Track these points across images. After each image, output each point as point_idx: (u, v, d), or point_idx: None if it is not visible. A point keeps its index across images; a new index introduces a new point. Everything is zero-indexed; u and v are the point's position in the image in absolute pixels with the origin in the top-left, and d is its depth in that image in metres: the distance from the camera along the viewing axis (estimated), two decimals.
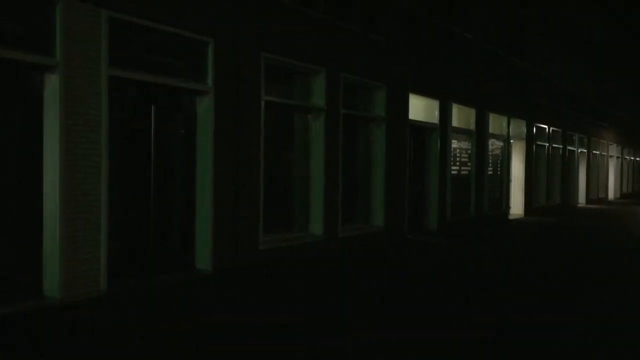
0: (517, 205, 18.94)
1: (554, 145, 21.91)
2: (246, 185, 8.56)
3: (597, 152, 28.33)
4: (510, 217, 18.14)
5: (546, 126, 21.04)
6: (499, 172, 17.38)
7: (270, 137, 9.19)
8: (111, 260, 6.76)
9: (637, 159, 38.53)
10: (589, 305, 7.06)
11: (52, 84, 6.24)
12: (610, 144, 30.69)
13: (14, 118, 6.24)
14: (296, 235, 9.89)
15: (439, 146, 13.70)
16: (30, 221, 6.28)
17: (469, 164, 15.46)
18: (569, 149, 23.66)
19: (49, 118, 6.26)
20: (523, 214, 18.99)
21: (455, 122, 14.44)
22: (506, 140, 17.67)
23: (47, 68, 6.20)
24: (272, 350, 5.06)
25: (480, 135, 15.78)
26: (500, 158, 17.45)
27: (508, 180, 17.99)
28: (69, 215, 6.29)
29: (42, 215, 6.28)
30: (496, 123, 17.01)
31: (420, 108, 13.21)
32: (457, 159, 14.85)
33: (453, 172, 14.53)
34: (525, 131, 19.15)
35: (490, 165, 16.64)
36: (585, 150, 26.03)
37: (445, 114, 13.93)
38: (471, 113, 15.43)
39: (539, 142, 20.36)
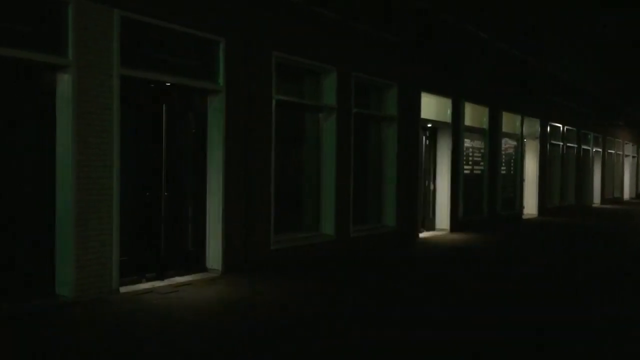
0: (530, 205, 18.77)
1: (568, 144, 21.69)
2: (257, 184, 8.55)
3: (612, 151, 28.01)
4: (524, 217, 17.98)
5: (560, 125, 20.84)
6: (512, 172, 17.23)
7: (281, 136, 9.17)
8: (122, 259, 6.78)
9: None
10: (601, 308, 6.96)
11: (64, 83, 6.27)
12: (626, 143, 30.33)
13: (27, 117, 6.28)
14: (307, 235, 9.86)
15: (451, 145, 13.61)
16: (42, 220, 6.31)
17: (481, 163, 15.35)
18: (583, 148, 23.41)
19: (62, 117, 6.29)
20: (537, 214, 18.83)
21: (467, 121, 14.34)
22: (519, 139, 17.51)
23: (59, 68, 6.24)
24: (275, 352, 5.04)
25: (493, 134, 15.66)
26: (513, 157, 17.31)
27: (521, 180, 17.83)
28: (81, 215, 6.31)
29: (55, 215, 6.32)
30: (509, 122, 16.87)
31: (432, 107, 13.13)
32: (470, 158, 14.75)
33: (465, 171, 14.43)
34: (539, 130, 18.97)
35: (503, 164, 16.51)
36: (600, 150, 25.74)
37: (457, 112, 13.84)
38: (484, 112, 15.32)
39: (553, 141, 20.17)
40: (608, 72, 26.91)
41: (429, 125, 12.98)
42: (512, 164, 17.24)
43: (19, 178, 6.19)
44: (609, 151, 27.39)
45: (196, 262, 7.98)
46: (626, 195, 30.70)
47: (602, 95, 25.90)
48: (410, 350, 5.13)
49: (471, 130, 14.64)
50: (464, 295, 7.36)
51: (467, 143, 14.54)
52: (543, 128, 19.21)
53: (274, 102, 8.75)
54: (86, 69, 6.34)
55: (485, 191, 15.42)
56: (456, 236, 13.02)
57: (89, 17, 6.36)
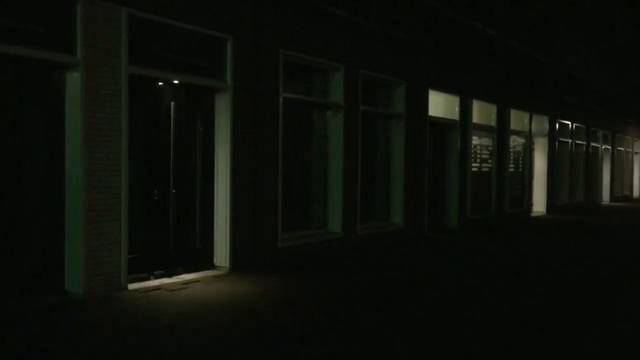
0: (539, 203, 18.69)
1: (577, 141, 21.56)
2: (264, 182, 8.56)
3: (622, 149, 27.82)
4: (533, 214, 17.90)
5: (569, 122, 20.71)
6: (520, 169, 17.15)
7: (289, 134, 9.18)
8: (131, 257, 6.81)
9: None
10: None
11: (72, 81, 6.30)
12: (636, 140, 30.10)
13: (37, 116, 6.31)
14: (315, 232, 9.87)
15: (459, 143, 13.57)
16: (52, 218, 6.36)
17: (489, 160, 15.28)
18: (592, 146, 23.26)
19: (70, 115, 6.33)
20: (545, 211, 18.74)
21: (475, 119, 14.28)
22: (528, 136, 17.43)
23: (67, 66, 6.27)
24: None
25: (501, 131, 15.59)
26: (521, 155, 17.22)
27: (530, 178, 17.74)
28: (90, 213, 6.35)
29: (64, 212, 6.36)
30: (518, 119, 16.79)
31: (440, 104, 13.08)
32: (478, 155, 14.69)
33: (473, 169, 14.38)
34: (548, 127, 18.87)
35: (511, 162, 16.43)
36: (610, 147, 25.57)
37: (465, 110, 13.78)
38: (492, 109, 15.25)
39: (561, 139, 20.05)
40: (618, 69, 26.71)
41: (437, 123, 12.93)
42: (520, 162, 17.15)
43: (29, 176, 6.23)
44: (619, 148, 27.20)
45: (204, 260, 8.01)
46: (636, 193, 30.48)
47: (612, 92, 25.72)
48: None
49: (479, 127, 14.57)
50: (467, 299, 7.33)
51: (475, 140, 14.48)
52: (552, 125, 19.10)
53: (281, 99, 8.76)
54: (94, 67, 6.37)
55: (494, 189, 15.36)
56: (464, 234, 12.97)
57: (97, 15, 6.39)
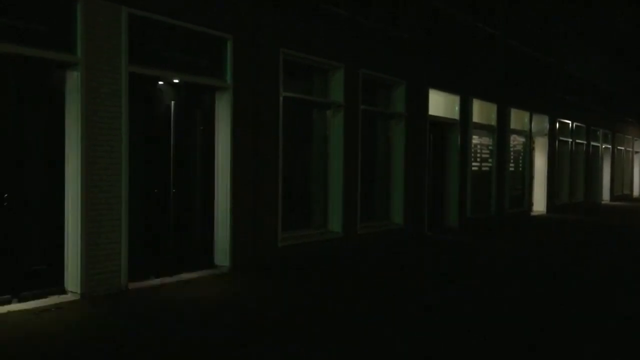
0: (539, 202, 18.70)
1: (577, 140, 21.56)
2: (265, 181, 8.56)
3: (622, 148, 27.82)
4: (533, 214, 17.90)
5: (569, 121, 20.71)
6: (520, 169, 17.16)
7: (289, 133, 9.17)
8: (131, 256, 6.81)
9: None
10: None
11: (73, 80, 6.30)
12: (636, 140, 30.10)
13: (37, 115, 6.30)
14: (315, 232, 9.87)
15: (459, 142, 13.57)
16: (52, 217, 6.35)
17: (489, 160, 15.28)
18: (592, 145, 23.26)
19: (70, 114, 6.33)
20: (545, 211, 18.74)
21: (476, 118, 14.28)
22: (528, 136, 17.43)
23: (68, 65, 6.27)
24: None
25: (501, 131, 15.59)
26: (522, 154, 17.23)
27: (530, 177, 17.74)
28: (90, 212, 6.35)
29: (64, 212, 6.36)
30: (518, 118, 16.79)
31: (440, 103, 13.09)
32: (478, 155, 14.69)
33: (474, 168, 14.38)
34: (548, 127, 18.87)
35: (511, 161, 16.43)
36: (610, 146, 25.57)
37: (465, 109, 13.78)
38: (492, 108, 15.25)
39: (561, 138, 20.05)
40: (618, 68, 26.70)
41: (437, 122, 12.93)
42: (520, 161, 17.16)
43: (29, 174, 6.23)
44: (619, 147, 27.20)
45: (204, 259, 8.01)
46: (636, 192, 30.48)
47: (612, 91, 25.71)
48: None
49: (479, 127, 14.57)
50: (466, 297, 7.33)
51: (476, 140, 14.48)
52: (552, 124, 19.10)
53: (281, 99, 8.75)
54: (94, 66, 6.37)
55: (494, 188, 15.36)
56: (464, 234, 12.98)
57: (97, 14, 6.38)
